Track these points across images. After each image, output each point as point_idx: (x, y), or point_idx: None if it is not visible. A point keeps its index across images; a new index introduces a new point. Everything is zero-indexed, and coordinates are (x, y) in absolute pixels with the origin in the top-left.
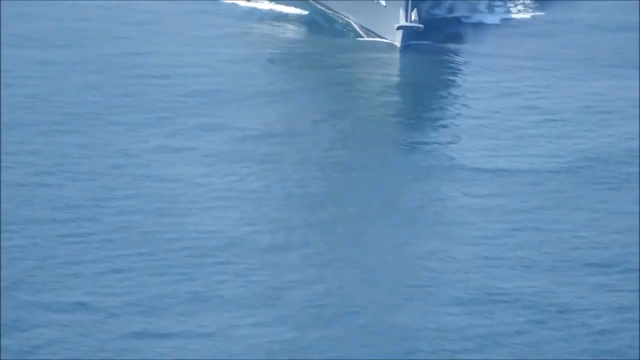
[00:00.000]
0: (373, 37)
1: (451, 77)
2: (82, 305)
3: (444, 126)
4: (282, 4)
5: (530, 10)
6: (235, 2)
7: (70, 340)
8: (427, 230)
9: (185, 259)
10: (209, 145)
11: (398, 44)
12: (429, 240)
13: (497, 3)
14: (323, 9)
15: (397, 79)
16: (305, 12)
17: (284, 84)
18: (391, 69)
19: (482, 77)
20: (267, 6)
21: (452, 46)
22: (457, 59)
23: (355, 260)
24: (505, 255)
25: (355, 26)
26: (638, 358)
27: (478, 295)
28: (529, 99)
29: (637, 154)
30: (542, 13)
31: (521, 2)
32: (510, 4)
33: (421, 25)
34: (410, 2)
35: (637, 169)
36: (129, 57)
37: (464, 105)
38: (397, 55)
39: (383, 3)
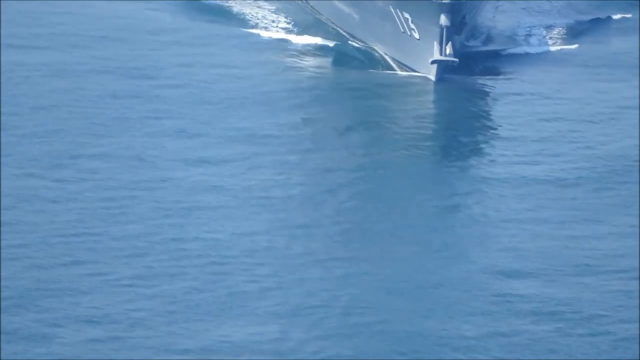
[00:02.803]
0: (406, 71)
1: (487, 112)
2: (102, 315)
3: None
4: (308, 35)
5: (568, 42)
6: (257, 31)
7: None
8: (452, 239)
9: (207, 267)
10: (245, 182)
11: (432, 78)
12: (453, 248)
13: (534, 35)
14: (353, 40)
15: (432, 113)
16: (333, 43)
17: (316, 117)
18: (425, 104)
19: (517, 109)
20: (291, 37)
21: (488, 80)
22: (493, 93)
23: (379, 269)
24: (528, 263)
25: (388, 59)
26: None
27: (499, 304)
28: (567, 136)
29: None
30: (580, 45)
31: (558, 34)
32: (547, 36)
33: (456, 59)
34: (444, 35)
35: None
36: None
37: (500, 140)
38: (431, 90)
39: (416, 36)
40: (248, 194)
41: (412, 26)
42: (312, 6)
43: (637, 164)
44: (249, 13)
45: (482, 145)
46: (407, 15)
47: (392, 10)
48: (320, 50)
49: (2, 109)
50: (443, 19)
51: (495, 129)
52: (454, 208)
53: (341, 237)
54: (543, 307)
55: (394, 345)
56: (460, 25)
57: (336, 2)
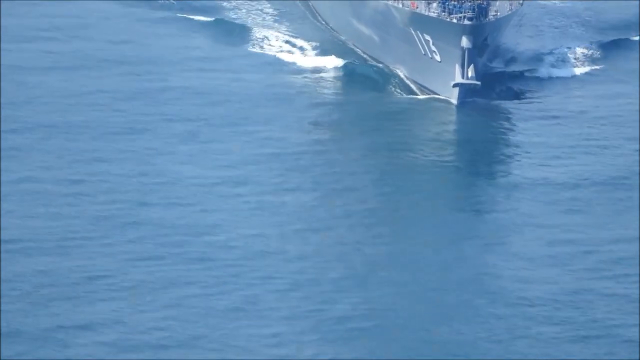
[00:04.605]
0: (427, 94)
1: (510, 135)
2: (112, 320)
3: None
4: (329, 56)
5: (590, 63)
6: (278, 54)
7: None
8: (471, 245)
9: (224, 269)
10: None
11: (454, 101)
12: (472, 254)
13: (557, 56)
14: (374, 62)
15: (454, 136)
16: (353, 66)
17: (338, 139)
18: (447, 129)
19: (542, 131)
20: (311, 59)
21: (510, 103)
22: (516, 115)
23: (400, 275)
24: (545, 269)
25: (408, 82)
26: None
27: (516, 309)
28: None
29: None
30: (603, 66)
31: (581, 55)
32: (570, 57)
33: (478, 82)
34: (466, 57)
35: None
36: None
37: (524, 165)
38: (453, 113)
39: (437, 58)
40: (266, 208)
41: (433, 48)
42: (332, 28)
43: None
44: (270, 35)
45: (506, 167)
46: (428, 37)
47: (413, 32)
48: (340, 72)
49: (20, 118)
50: (465, 41)
51: (519, 152)
52: (473, 219)
53: (364, 244)
54: (554, 311)
55: (407, 348)
56: (482, 47)
57: (356, 24)
